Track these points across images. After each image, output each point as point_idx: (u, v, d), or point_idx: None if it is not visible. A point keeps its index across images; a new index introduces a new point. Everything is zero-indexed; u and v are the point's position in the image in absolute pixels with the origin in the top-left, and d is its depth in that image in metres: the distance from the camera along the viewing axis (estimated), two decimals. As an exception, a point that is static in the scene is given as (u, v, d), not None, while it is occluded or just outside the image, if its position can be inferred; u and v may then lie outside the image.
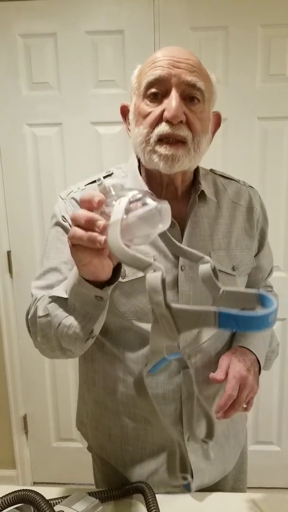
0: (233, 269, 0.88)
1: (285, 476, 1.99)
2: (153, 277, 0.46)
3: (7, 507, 0.72)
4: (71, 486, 0.86)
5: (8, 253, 1.86)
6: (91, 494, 0.81)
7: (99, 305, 0.68)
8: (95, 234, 0.55)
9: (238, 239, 0.90)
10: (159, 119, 0.76)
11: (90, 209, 0.56)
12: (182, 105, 0.75)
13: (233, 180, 0.97)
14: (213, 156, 1.70)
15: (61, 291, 0.72)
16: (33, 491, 0.71)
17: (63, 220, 0.86)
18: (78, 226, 0.56)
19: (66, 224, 0.85)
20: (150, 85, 0.76)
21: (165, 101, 0.76)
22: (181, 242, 0.83)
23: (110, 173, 0.91)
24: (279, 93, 1.67)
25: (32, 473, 2.09)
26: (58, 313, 0.72)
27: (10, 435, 2.02)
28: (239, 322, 0.41)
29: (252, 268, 0.96)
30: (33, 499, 0.70)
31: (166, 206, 0.54)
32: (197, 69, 0.77)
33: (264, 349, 0.94)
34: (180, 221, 0.84)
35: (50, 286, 0.82)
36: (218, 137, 1.68)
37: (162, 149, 0.76)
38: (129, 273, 0.82)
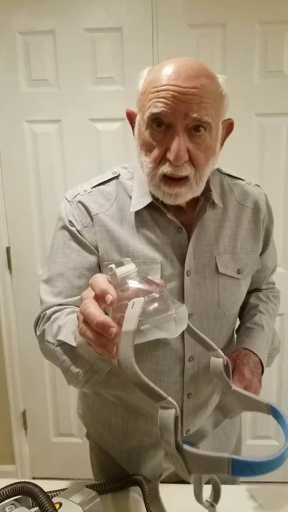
0: (238, 272, 0.89)
1: (283, 470, 1.99)
2: (166, 415, 0.43)
3: (6, 499, 0.73)
4: (71, 481, 0.87)
5: (8, 249, 1.87)
6: (89, 486, 0.82)
7: (106, 361, 0.65)
8: (105, 341, 0.50)
9: (243, 242, 0.90)
10: (163, 157, 0.75)
11: (103, 302, 0.51)
12: (185, 143, 0.73)
13: (240, 179, 0.96)
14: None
15: (69, 337, 0.70)
16: (31, 483, 0.72)
17: (70, 224, 0.86)
18: (89, 324, 0.51)
19: (73, 229, 0.85)
20: (153, 117, 0.74)
21: (169, 135, 0.74)
22: (187, 248, 0.84)
23: (117, 174, 0.90)
24: (277, 89, 1.67)
25: (31, 468, 2.10)
26: (65, 359, 0.71)
27: (10, 431, 2.03)
28: (254, 468, 0.40)
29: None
30: (32, 491, 0.71)
31: (183, 310, 0.50)
32: (205, 98, 0.72)
33: (266, 349, 0.94)
34: (187, 226, 0.85)
35: (59, 294, 0.84)
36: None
37: (166, 189, 0.77)
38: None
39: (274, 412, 0.55)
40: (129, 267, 0.52)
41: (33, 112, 1.73)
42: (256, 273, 0.98)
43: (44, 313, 0.83)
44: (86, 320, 0.51)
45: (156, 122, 0.74)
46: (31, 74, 1.70)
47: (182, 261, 0.84)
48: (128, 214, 0.85)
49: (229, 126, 0.85)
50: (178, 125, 0.72)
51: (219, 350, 0.59)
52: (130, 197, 0.86)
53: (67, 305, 0.83)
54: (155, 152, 0.76)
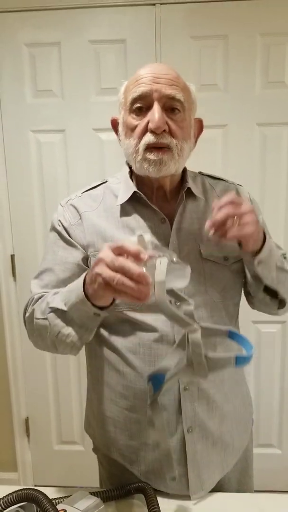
0: (225, 259, 0.92)
1: (286, 478, 1.99)
2: (195, 336, 0.62)
3: (11, 506, 0.73)
4: (73, 489, 0.87)
5: (12, 256, 1.88)
6: (93, 493, 0.83)
7: (96, 319, 0.78)
8: (142, 287, 0.61)
9: None
10: (145, 130, 0.85)
11: (138, 260, 0.63)
12: (164, 116, 0.84)
13: (221, 180, 1.03)
14: (213, 161, 1.73)
15: (60, 303, 0.80)
16: (36, 490, 0.73)
17: (58, 225, 0.95)
18: (126, 275, 0.62)
19: (60, 228, 0.95)
20: (134, 100, 0.85)
21: (149, 114, 0.84)
22: (169, 235, 0.90)
23: (104, 181, 1.00)
24: (278, 99, 1.69)
25: (34, 476, 2.10)
26: (57, 323, 0.81)
27: (12, 438, 2.03)
28: (248, 360, 0.63)
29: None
30: (36, 497, 0.71)
31: (188, 268, 0.66)
32: (175, 83, 0.85)
33: (272, 246, 0.91)
34: (170, 218, 0.91)
35: (45, 286, 0.93)
36: (218, 142, 1.72)
37: (151, 156, 0.85)
38: None
39: (232, 335, 0.73)
40: (148, 236, 0.66)
41: (38, 122, 1.76)
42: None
43: (32, 298, 0.92)
44: (123, 272, 0.62)
45: (138, 107, 0.85)
46: (37, 85, 1.73)
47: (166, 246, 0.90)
48: (114, 210, 0.93)
49: (199, 124, 0.96)
50: (155, 101, 0.84)
51: (188, 299, 0.69)
52: (116, 197, 0.95)
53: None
54: (138, 129, 0.86)
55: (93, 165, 1.77)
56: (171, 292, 0.67)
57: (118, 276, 0.62)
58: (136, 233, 0.67)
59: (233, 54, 1.67)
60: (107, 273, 0.64)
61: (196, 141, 0.95)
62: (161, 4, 1.64)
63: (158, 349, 0.89)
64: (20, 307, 1.91)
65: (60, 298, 0.82)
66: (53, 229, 0.96)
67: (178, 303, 0.74)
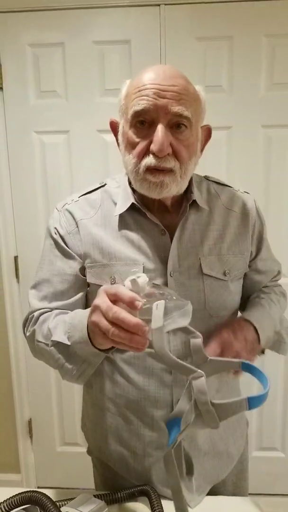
0: (224, 274, 0.89)
1: (289, 483, 1.98)
2: (200, 382, 0.59)
3: (14, 508, 0.73)
4: (76, 491, 0.87)
5: (16, 258, 1.88)
6: (97, 496, 0.82)
7: (100, 356, 0.77)
8: (138, 338, 0.60)
9: (230, 244, 0.91)
10: (146, 151, 0.78)
11: (132, 308, 0.61)
12: (168, 136, 0.76)
13: (227, 186, 0.98)
14: (217, 164, 1.72)
15: (63, 336, 0.79)
16: (40, 492, 0.73)
17: (55, 233, 0.92)
18: (121, 327, 0.61)
19: (56, 237, 0.91)
20: (136, 115, 0.78)
21: (152, 132, 0.77)
22: (170, 249, 0.86)
23: (103, 184, 0.96)
24: (283, 101, 1.68)
25: (37, 477, 2.09)
26: (60, 357, 0.81)
27: (15, 440, 2.03)
28: (262, 399, 0.59)
29: (251, 271, 0.98)
30: (40, 500, 0.71)
31: (189, 306, 0.63)
32: (183, 95, 0.76)
33: (268, 324, 0.92)
34: (171, 229, 0.87)
35: (44, 297, 0.91)
36: (223, 144, 1.71)
37: (151, 177, 0.79)
38: (119, 280, 0.85)
39: (246, 366, 0.69)
40: (143, 278, 0.63)
41: (42, 123, 1.76)
42: (253, 278, 0.99)
43: (31, 315, 0.90)
44: (117, 324, 0.61)
45: (139, 120, 0.78)
46: (40, 86, 1.73)
47: (165, 262, 0.86)
48: (112, 219, 0.89)
49: (207, 132, 0.89)
50: (160, 119, 0.76)
51: (196, 332, 0.67)
52: (115, 204, 0.90)
53: (54, 308, 0.89)
54: (138, 147, 0.79)
55: (97, 167, 1.77)
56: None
57: (113, 329, 0.61)
58: (132, 272, 0.66)
59: (238, 55, 1.66)
60: (103, 323, 0.63)
61: (202, 150, 0.89)
62: (165, 4, 1.64)
63: (153, 361, 0.88)
64: (24, 308, 1.91)
65: (62, 329, 0.80)
66: (50, 236, 0.93)
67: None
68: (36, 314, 0.89)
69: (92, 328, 0.68)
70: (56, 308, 0.89)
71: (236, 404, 0.59)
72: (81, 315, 0.77)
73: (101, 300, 0.64)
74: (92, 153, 1.76)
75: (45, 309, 0.90)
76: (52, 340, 0.80)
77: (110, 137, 1.70)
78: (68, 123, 1.75)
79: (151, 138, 0.77)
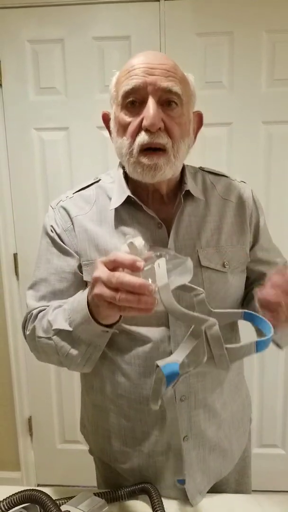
0: (224, 265, 0.88)
1: (290, 480, 1.98)
2: (213, 331, 0.61)
3: (14, 507, 0.73)
4: (76, 488, 0.87)
5: (15, 255, 1.88)
6: (97, 494, 0.82)
7: (105, 336, 0.76)
8: (145, 298, 0.59)
9: (228, 235, 0.90)
10: (139, 129, 0.78)
11: (134, 270, 0.61)
12: (159, 112, 0.76)
13: (223, 176, 0.97)
14: (218, 159, 1.72)
15: (64, 323, 0.77)
16: (40, 491, 0.72)
17: (51, 230, 0.90)
18: (127, 290, 0.60)
19: (53, 234, 0.90)
20: (126, 94, 0.78)
21: (143, 110, 0.77)
22: (168, 242, 0.85)
23: (97, 179, 0.95)
24: (284, 97, 1.68)
25: (37, 475, 2.09)
26: (64, 344, 0.78)
27: (15, 437, 2.03)
28: (267, 343, 0.62)
29: (253, 262, 0.96)
30: (40, 498, 0.71)
31: (190, 262, 0.64)
32: (172, 73, 0.77)
33: None
34: (167, 222, 0.86)
35: (42, 297, 0.89)
36: (223, 140, 1.71)
37: (145, 160, 0.78)
38: None
39: (248, 316, 0.71)
40: (139, 240, 0.63)
41: (42, 120, 1.75)
42: (255, 268, 0.97)
43: (30, 313, 0.88)
44: (123, 288, 0.60)
45: (130, 101, 0.78)
46: (40, 82, 1.72)
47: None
48: (108, 214, 0.88)
49: (199, 118, 0.88)
50: (150, 96, 0.76)
51: (198, 288, 0.67)
52: (110, 199, 0.89)
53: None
54: (131, 127, 0.78)
55: (97, 164, 1.76)
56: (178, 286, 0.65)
57: (119, 294, 0.61)
58: (126, 239, 0.64)
59: (238, 51, 1.65)
60: (107, 293, 0.62)
61: (195, 137, 0.88)
62: (165, 0, 1.63)
63: (153, 361, 0.86)
64: (23, 306, 1.90)
65: (62, 317, 0.78)
66: (46, 234, 0.92)
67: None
68: (34, 312, 0.88)
69: (96, 302, 0.66)
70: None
71: (246, 347, 0.62)
72: (80, 296, 0.76)
73: (100, 271, 0.64)
74: (92, 150, 1.75)
75: (44, 307, 0.88)
76: (53, 329, 0.79)
77: (110, 133, 1.71)
78: (67, 120, 1.74)
79: (143, 115, 0.77)
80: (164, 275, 0.59)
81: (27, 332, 0.88)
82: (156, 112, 0.76)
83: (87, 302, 0.72)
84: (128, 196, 0.86)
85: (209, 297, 0.86)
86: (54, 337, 0.79)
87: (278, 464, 1.98)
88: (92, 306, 0.70)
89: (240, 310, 0.72)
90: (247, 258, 0.94)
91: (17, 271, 1.89)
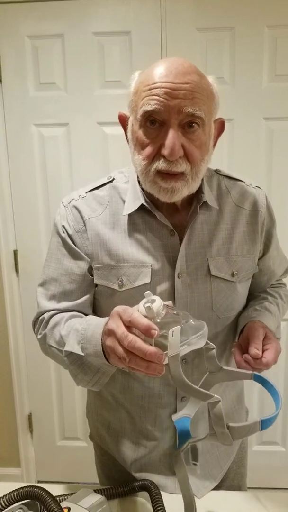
0: (232, 275, 0.87)
1: (290, 477, 1.98)
2: (217, 408, 0.61)
3: (14, 503, 0.72)
4: (76, 485, 0.87)
5: (15, 252, 1.87)
6: (97, 491, 0.82)
7: (112, 366, 0.74)
8: (154, 365, 0.61)
9: (239, 244, 0.89)
10: (157, 153, 0.75)
11: (148, 336, 0.61)
12: (179, 138, 0.73)
13: (239, 181, 0.95)
14: (219, 156, 1.71)
15: (76, 346, 0.76)
16: (40, 487, 0.72)
17: (62, 231, 0.89)
18: (137, 355, 0.61)
19: (64, 235, 0.88)
20: (146, 115, 0.74)
21: (163, 132, 0.74)
22: (178, 250, 0.84)
23: (111, 179, 0.92)
24: (285, 93, 1.67)
25: (37, 471, 2.10)
26: (74, 368, 0.79)
27: (15, 434, 2.03)
28: (273, 420, 0.62)
29: (258, 270, 0.96)
30: (40, 495, 0.70)
31: (205, 328, 0.64)
32: (197, 94, 0.73)
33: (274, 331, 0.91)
34: (180, 229, 0.86)
35: (53, 297, 0.89)
36: (224, 137, 1.68)
37: (162, 183, 0.77)
38: (126, 283, 0.84)
39: (257, 378, 0.71)
40: (158, 302, 0.63)
41: (41, 115, 1.74)
42: (259, 276, 0.97)
43: (42, 317, 0.89)
44: (133, 353, 0.61)
45: (150, 120, 0.75)
46: (40, 78, 1.71)
47: (174, 263, 0.84)
48: (120, 218, 0.87)
49: (220, 126, 0.85)
50: (171, 120, 0.73)
51: (210, 343, 0.66)
52: (124, 201, 0.87)
53: (64, 309, 0.88)
54: (148, 149, 0.76)
55: (97, 160, 1.75)
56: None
57: (129, 357, 0.62)
58: (145, 296, 0.64)
59: (240, 47, 1.64)
60: (118, 350, 0.63)
61: (215, 144, 0.85)
62: (166, -5, 1.62)
63: None
64: (23, 302, 1.90)
65: (75, 339, 0.77)
66: (57, 234, 0.90)
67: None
68: (46, 316, 0.87)
69: (107, 351, 0.68)
70: (66, 309, 0.88)
71: (250, 426, 0.62)
72: (94, 328, 0.74)
73: (115, 324, 0.65)
74: (92, 146, 1.74)
75: (55, 311, 0.88)
76: (65, 351, 0.79)
77: (110, 129, 1.71)
78: (67, 115, 1.73)
79: (162, 140, 0.74)
80: (177, 345, 0.59)
81: (38, 336, 0.89)
82: (177, 140, 0.73)
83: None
84: (142, 204, 0.84)
85: (215, 306, 0.87)
86: (65, 358, 0.79)
87: (278, 461, 1.98)
88: (104, 350, 0.70)
89: (250, 372, 0.72)
90: (256, 268, 0.94)
91: (17, 267, 1.88)
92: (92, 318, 0.80)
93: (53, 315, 0.87)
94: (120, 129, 0.90)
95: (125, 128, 0.86)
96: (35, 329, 0.92)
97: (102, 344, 0.70)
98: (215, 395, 0.60)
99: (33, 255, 1.85)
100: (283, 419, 1.94)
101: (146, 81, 0.75)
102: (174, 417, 0.69)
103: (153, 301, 0.63)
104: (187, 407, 0.69)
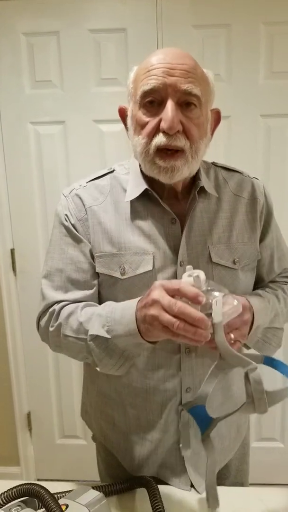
0: (234, 262, 0.88)
1: (289, 473, 1.99)
2: (256, 374, 0.65)
3: (12, 501, 0.72)
4: (75, 483, 0.87)
5: (12, 250, 1.87)
6: (95, 488, 0.82)
7: (141, 347, 0.76)
8: (201, 331, 0.64)
9: (239, 232, 0.90)
10: (157, 129, 0.77)
11: (195, 303, 0.64)
12: (178, 114, 0.76)
13: (236, 171, 0.97)
14: (216, 153, 1.70)
15: (101, 330, 0.77)
16: (38, 484, 0.72)
17: (65, 219, 0.89)
18: (185, 320, 0.64)
19: (67, 224, 0.88)
20: (145, 94, 0.77)
21: (162, 111, 0.76)
22: (180, 238, 0.85)
23: (112, 170, 0.93)
24: (282, 90, 1.67)
25: (36, 470, 2.10)
26: (100, 351, 0.78)
27: (14, 432, 2.03)
28: None
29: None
30: (38, 492, 0.70)
31: (240, 306, 0.71)
32: (192, 74, 0.76)
33: (264, 314, 0.89)
34: (181, 218, 0.86)
35: (59, 288, 0.88)
36: (221, 134, 1.69)
37: (161, 162, 0.78)
38: (128, 270, 0.84)
39: (267, 360, 0.76)
40: (202, 274, 0.67)
41: (38, 113, 1.74)
42: (258, 269, 0.97)
43: (52, 309, 0.87)
44: (182, 318, 0.64)
45: (149, 100, 0.77)
46: (36, 76, 1.71)
47: (175, 251, 0.85)
48: (122, 206, 0.88)
49: (217, 115, 0.88)
50: (169, 97, 0.76)
51: (252, 363, 0.67)
52: (125, 190, 0.88)
53: (73, 301, 0.87)
54: (148, 126, 0.78)
55: (93, 157, 1.75)
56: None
57: (178, 322, 0.63)
58: (188, 270, 0.67)
59: (236, 44, 1.64)
60: (165, 317, 0.65)
61: (212, 134, 0.88)
62: (162, -8, 1.61)
63: (161, 354, 0.87)
64: (21, 301, 1.90)
65: (98, 323, 0.78)
66: (60, 224, 0.90)
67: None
68: (56, 308, 0.86)
69: (150, 321, 0.68)
70: (76, 300, 0.87)
71: (282, 391, 0.67)
72: (123, 309, 0.76)
73: (159, 294, 0.66)
74: (88, 143, 1.74)
75: (66, 302, 0.87)
76: (90, 335, 0.78)
77: (107, 127, 1.70)
78: (64, 113, 1.73)
79: (161, 116, 0.76)
80: (220, 313, 0.64)
81: (51, 328, 0.86)
82: (175, 114, 0.75)
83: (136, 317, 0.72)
84: (145, 189, 0.85)
85: None
86: (90, 343, 0.78)
87: (277, 457, 1.98)
88: (141, 322, 0.71)
89: (260, 354, 0.76)
90: (258, 255, 0.94)
91: (14, 266, 1.88)
92: (113, 303, 0.80)
93: (63, 306, 0.86)
94: (116, 126, 0.91)
95: (124, 121, 0.88)
96: (42, 322, 0.89)
97: (139, 320, 0.71)
98: (253, 362, 0.65)
99: (30, 254, 1.85)
100: (281, 416, 1.95)
101: (144, 67, 0.79)
102: (185, 408, 0.72)
103: (196, 274, 0.67)
104: (199, 392, 0.72)
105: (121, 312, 0.75)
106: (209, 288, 0.68)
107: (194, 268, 0.84)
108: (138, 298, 0.74)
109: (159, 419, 0.91)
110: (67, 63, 1.69)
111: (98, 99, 1.70)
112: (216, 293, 0.67)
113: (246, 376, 0.65)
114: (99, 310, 0.80)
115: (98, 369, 0.81)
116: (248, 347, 0.94)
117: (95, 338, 0.77)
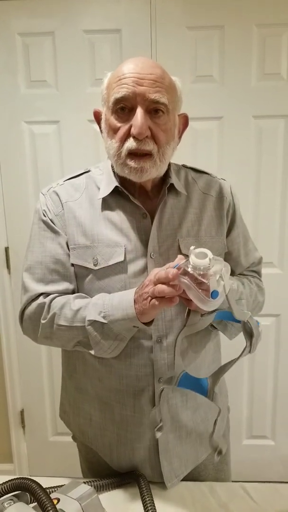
0: None
1: (279, 470, 2.01)
2: (254, 320, 0.78)
3: (4, 495, 0.74)
4: (68, 479, 0.88)
5: (6, 249, 1.87)
6: (86, 482, 0.83)
7: (133, 331, 0.85)
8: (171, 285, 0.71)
9: (207, 227, 0.96)
10: (128, 134, 0.84)
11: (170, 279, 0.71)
12: (147, 120, 0.83)
13: (205, 173, 1.04)
14: (208, 153, 1.72)
15: (98, 316, 0.84)
16: (30, 479, 0.73)
17: (43, 215, 0.95)
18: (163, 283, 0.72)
19: (46, 219, 0.94)
20: (117, 102, 0.84)
21: (132, 117, 0.83)
22: (150, 232, 0.91)
23: (87, 170, 1.01)
24: (274, 91, 1.68)
25: (29, 467, 2.11)
26: (97, 334, 0.85)
27: (8, 430, 2.04)
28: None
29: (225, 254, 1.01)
30: (30, 486, 0.72)
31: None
32: (160, 84, 0.83)
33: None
34: (152, 214, 0.92)
35: (40, 280, 0.93)
36: (214, 135, 1.71)
37: (132, 163, 0.85)
38: (101, 261, 0.90)
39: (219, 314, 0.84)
40: (210, 253, 0.72)
41: (32, 113, 1.74)
42: (228, 259, 1.01)
43: (41, 302, 0.91)
44: (160, 282, 0.72)
45: (120, 107, 0.84)
46: (30, 75, 1.71)
47: (146, 244, 0.90)
48: (96, 202, 0.93)
49: (184, 120, 0.94)
50: (139, 105, 0.82)
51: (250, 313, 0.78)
52: (99, 188, 0.94)
53: (55, 292, 0.92)
54: (120, 132, 0.85)
55: (88, 157, 1.76)
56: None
57: (158, 286, 0.72)
58: (192, 253, 0.70)
59: (229, 45, 1.65)
60: (166, 289, 0.72)
61: (180, 137, 0.94)
62: (156, -7, 1.62)
63: (133, 347, 0.90)
64: (15, 299, 1.91)
65: (95, 310, 0.84)
66: (39, 219, 0.96)
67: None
68: (46, 300, 0.90)
69: (145, 297, 0.76)
70: (58, 292, 0.92)
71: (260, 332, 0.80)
72: (121, 295, 0.83)
73: (149, 277, 0.76)
74: (83, 143, 1.75)
75: (54, 294, 0.91)
76: (88, 320, 0.84)
77: (101, 127, 1.71)
78: (58, 113, 1.74)
79: (131, 123, 0.83)
80: (229, 284, 0.71)
81: (43, 321, 0.90)
82: (144, 121, 0.82)
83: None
84: (116, 187, 0.91)
85: None
86: (89, 327, 0.84)
87: (268, 455, 2.00)
88: (137, 303, 0.78)
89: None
90: (225, 248, 1.00)
91: (8, 264, 1.89)
92: (107, 294, 0.87)
93: (53, 298, 0.91)
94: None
95: (99, 122, 0.95)
96: (28, 315, 0.93)
97: (136, 302, 0.79)
98: (249, 312, 0.77)
99: (25, 252, 1.85)
100: (272, 413, 1.97)
101: (116, 75, 0.85)
102: (168, 384, 0.79)
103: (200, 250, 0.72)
104: (176, 367, 0.78)
105: (119, 298, 0.83)
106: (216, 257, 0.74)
107: (164, 260, 0.90)
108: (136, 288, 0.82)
109: (133, 413, 0.93)
110: (62, 63, 1.69)
111: (92, 99, 1.71)
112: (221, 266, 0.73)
113: (247, 323, 0.76)
114: (94, 300, 0.87)
115: (92, 352, 0.86)
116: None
117: (93, 323, 0.84)
